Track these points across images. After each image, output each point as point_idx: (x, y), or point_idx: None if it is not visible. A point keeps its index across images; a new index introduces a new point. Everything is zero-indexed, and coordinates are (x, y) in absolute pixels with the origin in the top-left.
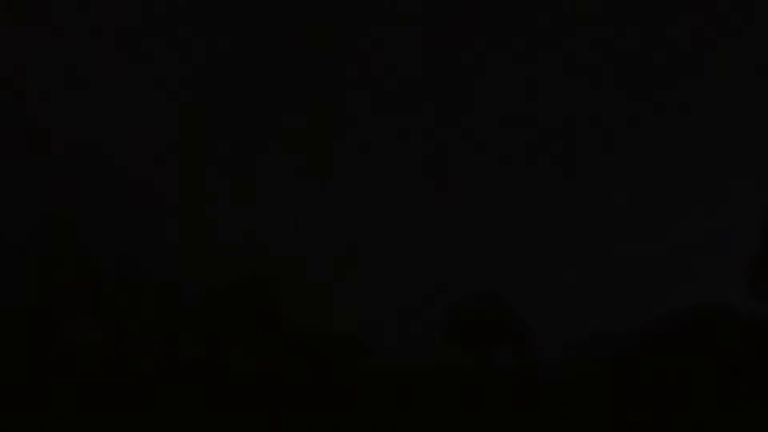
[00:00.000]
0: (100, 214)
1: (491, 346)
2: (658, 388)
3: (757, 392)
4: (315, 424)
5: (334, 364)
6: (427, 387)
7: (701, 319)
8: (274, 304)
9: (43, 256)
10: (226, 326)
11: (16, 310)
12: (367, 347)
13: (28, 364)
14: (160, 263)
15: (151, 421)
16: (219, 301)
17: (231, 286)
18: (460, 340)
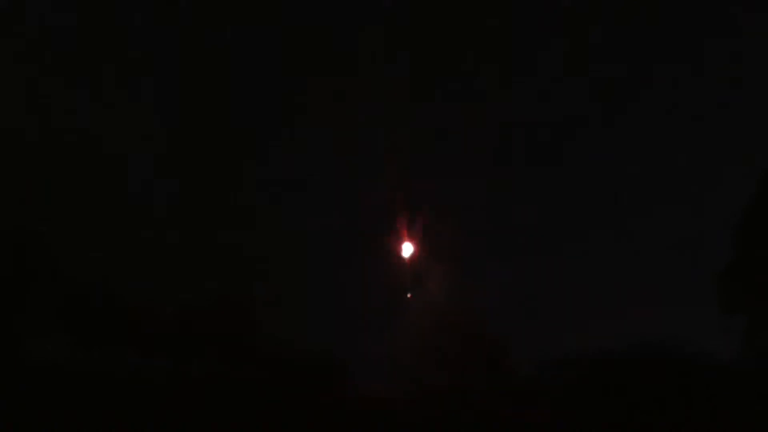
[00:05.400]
0: (71, 226)
1: (466, 368)
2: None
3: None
4: None
5: (310, 383)
6: (404, 410)
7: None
8: (249, 323)
9: (10, 269)
10: (201, 344)
11: None
12: (343, 367)
13: None
14: (134, 279)
15: None
16: (192, 318)
17: (205, 304)
18: (433, 362)
